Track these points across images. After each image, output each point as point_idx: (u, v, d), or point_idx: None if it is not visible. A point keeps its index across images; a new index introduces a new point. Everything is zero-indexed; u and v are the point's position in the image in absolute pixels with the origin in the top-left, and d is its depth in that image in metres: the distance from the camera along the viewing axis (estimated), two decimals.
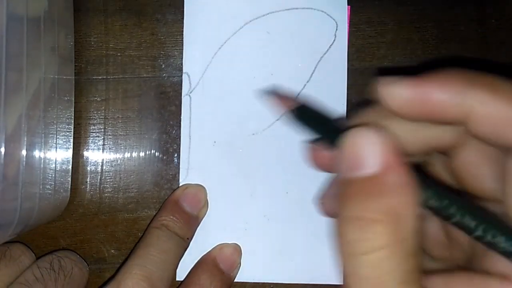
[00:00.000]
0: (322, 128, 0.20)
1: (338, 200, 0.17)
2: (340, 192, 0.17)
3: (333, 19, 0.30)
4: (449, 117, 0.17)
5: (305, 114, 0.21)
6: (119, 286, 0.25)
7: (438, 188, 0.17)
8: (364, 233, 0.16)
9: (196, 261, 0.29)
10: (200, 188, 0.30)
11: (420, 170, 0.18)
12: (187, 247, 0.28)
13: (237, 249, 0.29)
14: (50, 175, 0.27)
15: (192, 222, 0.29)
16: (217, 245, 0.29)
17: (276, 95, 0.23)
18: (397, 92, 0.17)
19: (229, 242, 0.29)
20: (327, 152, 0.21)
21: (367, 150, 0.16)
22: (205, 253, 0.29)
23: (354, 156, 0.17)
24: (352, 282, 0.17)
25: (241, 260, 0.29)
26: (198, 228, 0.29)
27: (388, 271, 0.16)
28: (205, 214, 0.29)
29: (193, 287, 0.27)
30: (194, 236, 0.29)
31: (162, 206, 0.29)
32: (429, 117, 0.17)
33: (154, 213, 0.30)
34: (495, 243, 0.16)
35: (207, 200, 0.30)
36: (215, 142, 0.30)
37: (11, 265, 0.26)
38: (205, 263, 0.29)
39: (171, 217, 0.28)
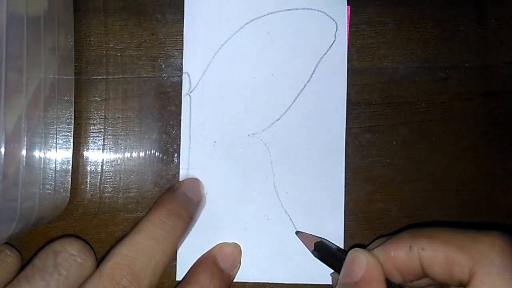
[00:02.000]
0: (335, 261, 0.27)
1: None
2: None
3: (333, 20, 0.30)
4: (409, 267, 0.23)
5: (322, 251, 0.28)
6: None
7: None
8: None
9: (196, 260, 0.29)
10: (236, 247, 0.29)
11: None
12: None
13: (237, 248, 0.29)
14: (50, 175, 0.27)
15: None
16: (217, 244, 0.29)
17: (301, 235, 0.29)
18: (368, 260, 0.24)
19: (229, 242, 0.29)
20: None
21: (356, 264, 0.23)
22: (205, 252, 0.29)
23: (348, 266, 0.24)
24: None
25: (241, 260, 0.29)
26: (198, 228, 0.29)
27: None
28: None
29: (192, 285, 0.27)
30: (194, 236, 0.29)
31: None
32: (399, 270, 0.23)
33: None
34: None
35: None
36: (215, 142, 0.30)
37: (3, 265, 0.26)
38: (205, 261, 0.28)
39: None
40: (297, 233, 0.29)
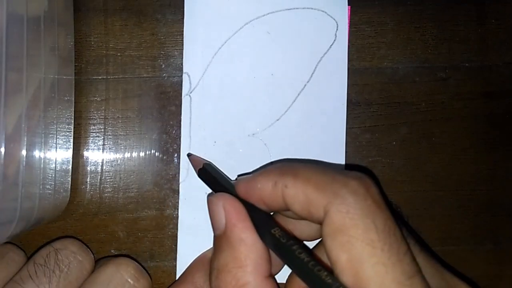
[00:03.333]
0: (217, 187, 0.26)
1: None
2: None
3: (334, 19, 0.30)
4: (273, 200, 0.23)
5: (207, 174, 0.28)
6: None
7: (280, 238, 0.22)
8: (216, 281, 0.22)
9: None
10: None
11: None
12: None
13: None
14: (50, 175, 0.27)
15: None
16: None
17: (191, 157, 0.29)
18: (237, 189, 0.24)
19: None
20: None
21: (216, 214, 0.23)
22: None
23: (211, 218, 0.24)
24: None
25: None
26: (198, 227, 0.29)
27: None
28: None
29: (186, 285, 0.27)
30: (194, 236, 0.29)
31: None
32: (263, 202, 0.23)
33: (154, 213, 0.30)
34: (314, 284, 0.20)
35: None
36: (215, 142, 0.30)
37: (0, 264, 0.26)
38: (201, 261, 0.28)
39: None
40: (188, 155, 0.30)
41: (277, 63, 0.30)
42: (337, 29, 0.30)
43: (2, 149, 0.21)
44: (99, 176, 0.30)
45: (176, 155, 0.30)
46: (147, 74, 0.30)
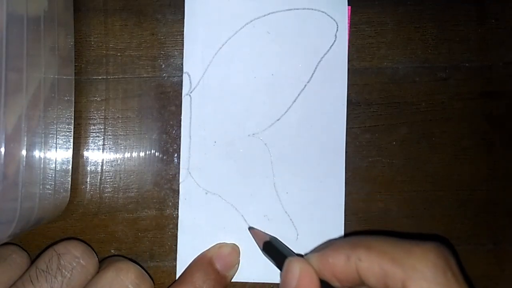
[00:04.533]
0: (282, 262, 0.26)
1: None
2: None
3: (334, 20, 0.30)
4: (347, 275, 0.23)
5: (271, 249, 0.28)
6: None
7: None
8: None
9: None
10: (234, 248, 0.29)
11: None
12: None
13: (235, 249, 0.29)
14: (50, 175, 0.27)
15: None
16: (216, 244, 0.29)
17: (252, 231, 0.29)
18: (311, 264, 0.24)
19: (228, 242, 0.29)
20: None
21: (290, 273, 0.24)
22: None
23: (284, 276, 0.24)
24: None
25: (241, 260, 0.29)
26: (198, 227, 0.29)
27: None
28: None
29: (186, 285, 0.27)
30: (194, 236, 0.29)
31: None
32: (336, 277, 0.23)
33: (154, 213, 0.30)
34: None
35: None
36: (215, 142, 0.30)
37: (2, 266, 0.26)
38: (201, 261, 0.28)
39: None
40: (250, 229, 0.29)
41: (277, 63, 0.30)
42: (337, 30, 0.30)
43: (2, 149, 0.21)
44: (99, 176, 0.30)
45: (176, 155, 0.30)
46: (147, 74, 0.30)
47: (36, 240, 0.30)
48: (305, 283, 0.23)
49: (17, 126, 0.23)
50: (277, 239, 0.29)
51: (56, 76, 0.27)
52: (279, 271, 0.26)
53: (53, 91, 0.27)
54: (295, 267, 0.24)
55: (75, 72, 0.30)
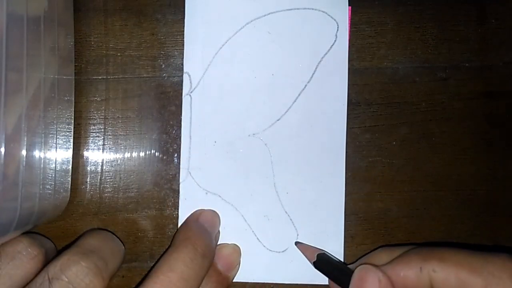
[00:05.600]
0: (338, 274, 0.26)
1: None
2: None
3: (334, 20, 0.30)
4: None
5: (324, 263, 0.28)
6: None
7: None
8: None
9: None
10: (235, 249, 0.29)
11: None
12: (208, 268, 0.27)
13: (236, 250, 0.29)
14: (50, 175, 0.27)
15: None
16: (216, 245, 0.29)
17: (301, 246, 0.29)
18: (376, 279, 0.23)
19: (229, 243, 0.29)
20: None
21: (369, 283, 0.23)
22: None
23: (358, 285, 0.23)
24: None
25: (241, 260, 0.29)
26: None
27: None
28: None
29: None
30: None
31: (182, 226, 0.29)
32: None
33: (154, 213, 0.30)
34: None
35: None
36: (215, 142, 0.30)
37: (12, 264, 0.25)
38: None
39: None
40: (297, 244, 0.29)
41: (277, 63, 0.30)
42: (337, 30, 0.30)
43: (2, 149, 0.21)
44: (99, 176, 0.30)
45: (176, 155, 0.30)
46: (147, 74, 0.30)
47: None
48: None
49: (17, 126, 0.23)
50: (325, 253, 0.29)
51: (56, 76, 0.27)
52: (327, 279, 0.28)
53: (53, 91, 0.27)
54: (374, 277, 0.23)
55: (75, 72, 0.30)
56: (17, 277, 0.25)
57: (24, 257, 0.25)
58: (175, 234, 0.28)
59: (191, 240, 0.26)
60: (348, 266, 0.28)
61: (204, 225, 0.28)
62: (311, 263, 0.28)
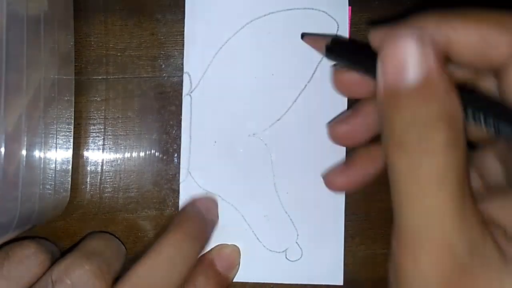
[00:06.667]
0: (358, 57, 0.21)
1: (381, 115, 0.18)
2: (387, 104, 0.18)
3: (334, 20, 0.30)
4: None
5: (339, 48, 0.22)
6: None
7: (475, 95, 0.19)
8: (422, 134, 0.17)
9: None
10: (235, 249, 0.29)
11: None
12: (201, 251, 0.27)
13: (235, 250, 0.29)
14: (50, 175, 0.27)
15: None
16: (216, 246, 0.29)
17: (308, 38, 0.25)
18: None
19: (229, 243, 0.29)
20: (352, 75, 0.23)
21: (411, 58, 0.17)
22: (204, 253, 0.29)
23: (397, 65, 0.17)
24: (404, 184, 0.18)
25: (242, 260, 0.29)
26: None
27: (449, 168, 0.17)
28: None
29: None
30: None
31: (179, 212, 0.29)
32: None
33: (154, 213, 0.30)
34: None
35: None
36: (215, 142, 0.30)
37: (19, 268, 0.25)
38: (202, 264, 0.28)
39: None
40: (303, 36, 0.27)
41: (277, 63, 0.30)
42: (337, 30, 0.30)
43: (2, 149, 0.21)
44: (99, 176, 0.30)
45: (176, 155, 0.30)
46: (147, 74, 0.30)
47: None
48: (441, 69, 0.17)
49: (17, 126, 0.23)
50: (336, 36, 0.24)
51: (56, 76, 0.27)
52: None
53: (53, 91, 0.27)
54: (414, 50, 0.17)
55: (75, 72, 0.30)
56: (23, 281, 0.25)
57: (31, 261, 0.25)
58: (174, 218, 0.28)
59: (182, 224, 0.26)
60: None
61: (200, 209, 0.28)
62: (321, 53, 0.24)
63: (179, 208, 0.30)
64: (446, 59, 0.19)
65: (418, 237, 0.18)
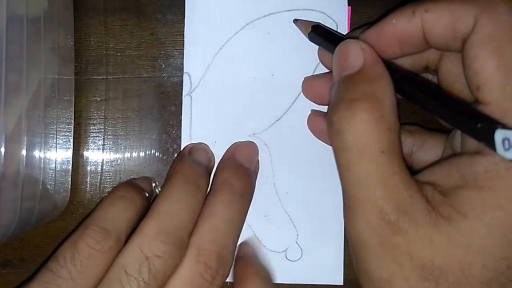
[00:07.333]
0: (333, 44, 0.25)
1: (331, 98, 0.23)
2: (331, 88, 0.23)
3: (334, 20, 0.30)
4: (410, 35, 0.22)
5: (319, 34, 0.27)
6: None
7: (407, 77, 0.22)
8: (347, 110, 0.21)
9: None
10: (252, 144, 0.29)
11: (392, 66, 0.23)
12: (251, 203, 0.28)
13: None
14: (50, 175, 0.27)
15: (253, 176, 0.28)
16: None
17: (299, 22, 0.29)
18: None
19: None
20: (317, 82, 0.28)
21: (352, 54, 0.23)
22: None
23: (343, 60, 0.23)
24: (340, 155, 0.22)
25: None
26: None
27: (372, 140, 0.20)
28: (259, 169, 0.29)
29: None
30: None
31: (220, 162, 0.29)
32: (398, 41, 0.23)
33: None
34: (458, 123, 0.20)
35: (258, 157, 0.29)
36: (215, 142, 0.30)
37: (88, 262, 0.23)
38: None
39: (235, 174, 0.27)
40: (295, 21, 0.29)
41: (277, 64, 0.30)
42: (337, 30, 0.30)
43: (2, 149, 0.21)
44: (99, 176, 0.30)
45: (176, 155, 0.30)
46: (147, 74, 0.30)
47: (36, 240, 0.30)
48: (374, 59, 0.22)
49: (17, 126, 0.23)
50: (320, 24, 0.28)
51: (56, 76, 0.27)
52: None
53: (53, 91, 0.27)
54: (356, 47, 0.23)
55: (75, 72, 0.30)
56: (99, 272, 0.24)
57: (98, 253, 0.24)
58: (214, 174, 0.28)
59: (228, 182, 0.26)
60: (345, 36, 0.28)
61: (240, 161, 0.28)
62: (306, 35, 0.28)
63: None
64: (403, 53, 0.24)
65: (351, 201, 0.21)
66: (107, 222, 0.25)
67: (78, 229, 0.24)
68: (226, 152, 0.29)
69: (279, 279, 0.30)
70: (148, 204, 0.27)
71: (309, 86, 0.29)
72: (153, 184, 0.29)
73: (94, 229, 0.24)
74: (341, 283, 0.30)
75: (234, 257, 0.26)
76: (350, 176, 0.21)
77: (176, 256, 0.23)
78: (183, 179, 0.26)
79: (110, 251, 0.24)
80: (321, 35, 0.27)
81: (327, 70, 0.29)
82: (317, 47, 0.29)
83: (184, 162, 0.27)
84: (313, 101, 0.29)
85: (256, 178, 0.29)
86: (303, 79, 0.29)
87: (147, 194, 0.27)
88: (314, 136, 0.30)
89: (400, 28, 0.22)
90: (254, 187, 0.28)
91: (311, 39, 0.28)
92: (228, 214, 0.25)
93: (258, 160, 0.30)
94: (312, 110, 0.29)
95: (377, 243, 0.20)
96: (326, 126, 0.23)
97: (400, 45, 0.23)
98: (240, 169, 0.28)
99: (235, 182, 0.26)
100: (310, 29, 0.28)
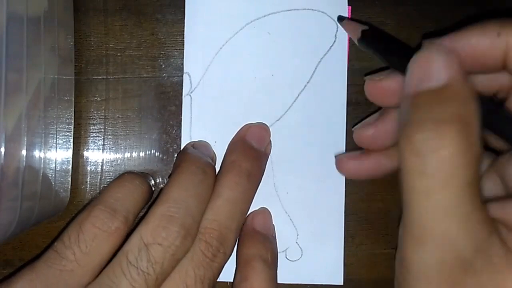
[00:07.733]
0: (392, 52, 0.23)
1: (402, 116, 0.20)
2: (408, 105, 0.19)
3: (334, 20, 0.30)
4: (489, 56, 0.20)
5: (374, 39, 0.24)
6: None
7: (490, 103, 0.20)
8: (435, 132, 0.18)
9: None
10: (263, 125, 0.29)
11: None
12: (259, 184, 0.28)
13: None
14: (50, 175, 0.27)
15: (262, 158, 0.28)
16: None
17: (346, 22, 0.27)
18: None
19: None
20: (384, 84, 0.25)
21: (436, 65, 0.19)
22: None
23: (424, 70, 0.19)
24: (417, 180, 0.19)
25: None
26: None
27: (459, 170, 0.18)
28: (270, 151, 0.29)
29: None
30: None
31: (230, 144, 0.29)
32: (474, 60, 0.20)
33: None
34: None
35: (270, 139, 0.29)
36: (215, 142, 0.30)
37: (94, 243, 0.23)
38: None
39: (243, 155, 0.27)
40: (339, 19, 0.28)
41: (277, 64, 0.30)
42: (337, 30, 0.30)
43: (2, 149, 0.21)
44: (99, 176, 0.30)
45: (176, 155, 0.30)
46: (147, 74, 0.30)
47: (36, 240, 0.30)
48: (461, 75, 0.19)
49: (17, 126, 0.23)
50: (373, 25, 0.26)
51: (56, 76, 0.27)
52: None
53: (53, 91, 0.27)
54: (440, 56, 0.19)
55: (75, 72, 0.30)
56: (104, 255, 0.24)
57: (104, 233, 0.23)
58: (224, 156, 0.28)
59: (235, 163, 0.26)
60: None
61: (250, 142, 0.28)
62: (355, 40, 0.26)
63: None
64: (469, 71, 0.20)
65: (423, 233, 0.19)
66: (115, 202, 0.24)
67: (85, 209, 0.24)
68: (237, 133, 0.29)
69: (279, 279, 0.30)
70: (152, 195, 0.27)
71: (375, 88, 0.26)
72: (158, 180, 0.29)
73: (101, 208, 0.24)
74: (341, 283, 0.30)
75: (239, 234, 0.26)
76: (428, 205, 0.18)
77: (178, 245, 0.23)
78: (191, 167, 0.25)
79: (117, 232, 0.23)
80: (375, 39, 0.25)
81: (327, 70, 0.30)
82: (317, 47, 0.29)
83: (190, 153, 0.27)
84: (379, 104, 0.26)
85: (266, 160, 0.29)
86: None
87: (152, 182, 0.27)
88: (314, 136, 0.30)
89: (480, 47, 0.20)
90: (264, 168, 0.28)
91: (360, 43, 0.26)
92: (232, 195, 0.25)
93: (270, 141, 0.29)
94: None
95: (445, 281, 0.18)
96: (396, 132, 0.20)
97: (479, 64, 0.21)
98: (248, 150, 0.28)
99: (243, 163, 0.26)
100: (360, 35, 0.25)
